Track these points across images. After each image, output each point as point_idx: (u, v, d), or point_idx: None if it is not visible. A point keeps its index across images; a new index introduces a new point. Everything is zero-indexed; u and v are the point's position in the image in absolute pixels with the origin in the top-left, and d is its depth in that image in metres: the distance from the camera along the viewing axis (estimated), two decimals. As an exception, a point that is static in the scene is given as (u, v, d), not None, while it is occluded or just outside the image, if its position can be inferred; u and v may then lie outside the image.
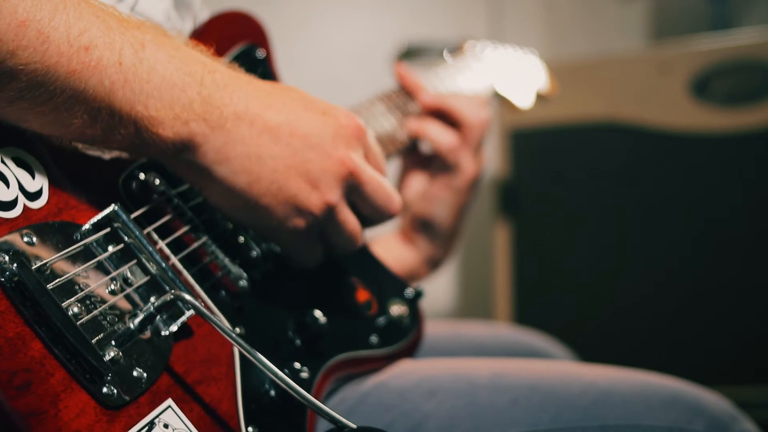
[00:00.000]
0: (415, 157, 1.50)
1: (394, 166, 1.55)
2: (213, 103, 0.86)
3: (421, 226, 1.49)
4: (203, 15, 1.21)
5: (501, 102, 1.74)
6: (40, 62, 0.73)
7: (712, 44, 2.30)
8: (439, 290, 2.95)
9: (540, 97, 1.79)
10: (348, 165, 0.95)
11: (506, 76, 1.72)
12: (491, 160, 2.53)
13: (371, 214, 1.02)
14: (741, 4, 2.77)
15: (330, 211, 0.95)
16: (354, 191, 0.98)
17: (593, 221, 2.39)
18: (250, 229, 0.99)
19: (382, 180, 1.01)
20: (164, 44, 0.84)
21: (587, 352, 1.90)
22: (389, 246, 1.49)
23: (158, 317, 0.81)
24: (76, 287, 0.76)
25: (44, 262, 0.74)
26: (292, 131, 0.92)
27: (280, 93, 0.94)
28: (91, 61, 0.76)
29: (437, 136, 1.44)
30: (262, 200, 0.91)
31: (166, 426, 0.77)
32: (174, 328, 0.82)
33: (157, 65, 0.82)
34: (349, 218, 0.99)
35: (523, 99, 1.74)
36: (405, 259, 1.49)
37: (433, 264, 1.52)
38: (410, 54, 1.82)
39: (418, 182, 1.49)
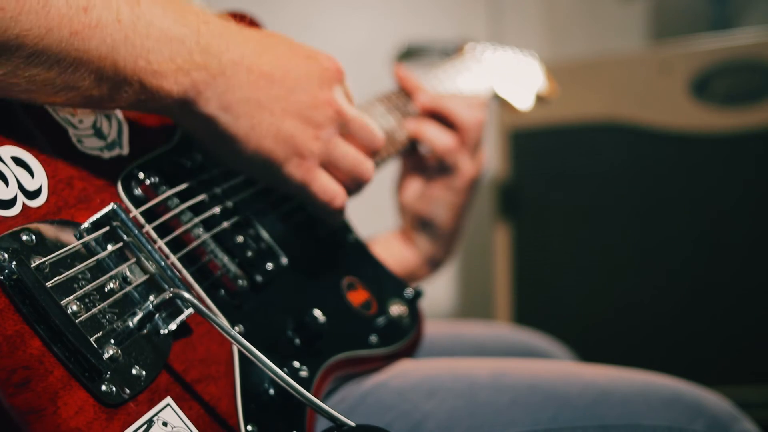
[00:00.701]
0: (414, 157, 1.50)
1: (393, 167, 1.55)
2: (211, 51, 0.90)
3: (420, 226, 1.49)
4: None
5: (501, 104, 1.74)
6: (44, 26, 0.75)
7: (712, 44, 2.30)
8: (439, 290, 2.95)
9: (540, 99, 1.79)
10: (334, 105, 1.01)
11: (506, 77, 1.71)
12: (491, 160, 2.53)
13: (361, 150, 1.06)
14: (741, 4, 2.77)
15: (326, 146, 1.00)
16: (343, 129, 1.03)
17: (593, 221, 2.39)
18: (257, 178, 1.03)
19: (364, 117, 1.06)
20: None
21: (587, 352, 1.90)
22: (389, 246, 1.49)
23: (157, 315, 0.82)
24: (75, 285, 0.76)
25: (43, 260, 0.74)
26: (284, 75, 0.96)
27: (268, 40, 0.98)
28: (91, 21, 0.78)
29: (434, 137, 1.44)
30: (264, 143, 0.96)
31: (164, 424, 0.77)
32: (173, 326, 0.82)
33: (154, 19, 0.85)
34: (348, 151, 1.04)
35: (523, 101, 1.73)
36: (405, 259, 1.49)
37: (433, 264, 1.52)
38: (410, 54, 1.82)
39: (417, 182, 1.49)
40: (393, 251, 1.48)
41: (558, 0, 3.08)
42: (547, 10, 3.05)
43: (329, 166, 1.02)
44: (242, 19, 1.16)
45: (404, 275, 1.45)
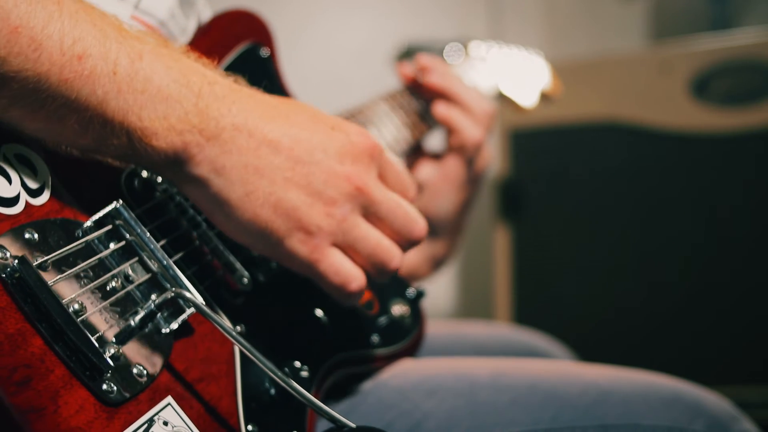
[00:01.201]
0: (418, 155, 1.50)
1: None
2: (209, 114, 0.84)
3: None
4: (206, 14, 1.21)
5: (505, 102, 1.74)
6: (32, 70, 0.72)
7: (712, 44, 2.30)
8: (439, 290, 2.96)
9: (544, 98, 1.79)
10: (355, 182, 0.90)
11: (511, 76, 1.72)
12: (491, 160, 2.53)
13: (392, 238, 0.95)
14: (741, 4, 2.77)
15: (341, 225, 0.90)
16: (368, 211, 0.92)
17: (593, 221, 2.39)
18: (255, 251, 0.96)
19: (401, 201, 0.94)
20: (163, 55, 0.83)
21: (587, 352, 1.90)
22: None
23: (159, 315, 0.81)
24: (78, 284, 0.76)
25: (45, 258, 0.74)
26: (293, 144, 0.88)
27: (285, 107, 0.91)
28: (84, 70, 0.75)
29: (466, 128, 1.43)
30: (260, 213, 0.87)
31: (165, 423, 0.76)
32: (174, 325, 0.82)
33: (153, 76, 0.80)
34: (369, 234, 0.92)
35: (528, 99, 1.74)
36: (407, 258, 1.48)
37: (435, 263, 1.52)
38: (410, 54, 1.82)
39: (421, 179, 1.48)
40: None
41: (558, 0, 3.08)
42: (547, 10, 3.05)
43: (345, 247, 0.91)
44: (245, 17, 1.15)
45: (406, 274, 1.44)
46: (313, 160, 0.88)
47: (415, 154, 1.50)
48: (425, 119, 1.47)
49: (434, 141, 1.54)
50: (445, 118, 1.44)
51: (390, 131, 1.38)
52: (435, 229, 1.48)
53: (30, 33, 0.72)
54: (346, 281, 0.92)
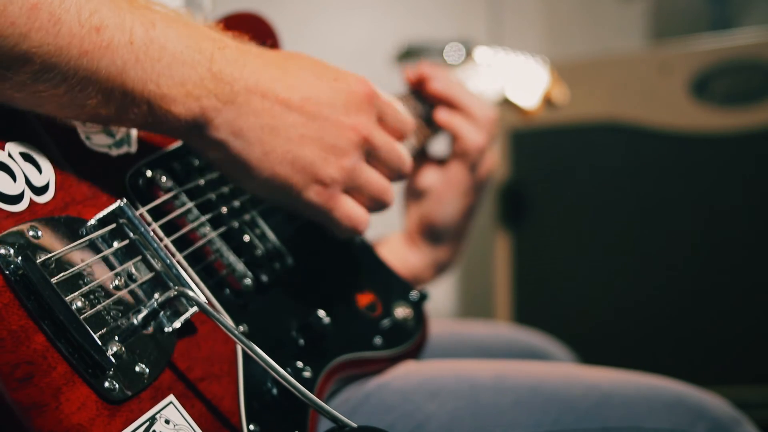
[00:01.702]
0: (423, 159, 1.49)
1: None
2: (223, 78, 0.87)
3: (427, 228, 1.48)
4: (212, 16, 1.21)
5: (510, 107, 1.74)
6: (53, 44, 0.74)
7: (712, 44, 2.30)
8: (439, 291, 2.95)
9: (549, 104, 1.80)
10: (361, 131, 0.96)
11: (516, 82, 1.72)
12: (495, 165, 2.53)
13: (386, 175, 1.03)
14: (741, 4, 2.77)
15: (349, 175, 0.96)
16: (370, 155, 0.99)
17: (593, 221, 2.38)
18: (274, 204, 1.00)
19: (394, 143, 1.02)
20: (174, 22, 0.85)
21: (587, 353, 1.90)
22: (394, 248, 1.48)
23: (162, 313, 0.81)
24: (81, 282, 0.76)
25: (49, 256, 0.74)
26: (303, 101, 0.93)
27: (291, 63, 0.95)
28: (103, 41, 0.77)
29: (468, 133, 1.43)
30: (279, 170, 0.92)
31: (167, 422, 0.77)
32: (177, 324, 0.82)
33: (167, 43, 0.83)
34: (371, 178, 1.00)
35: (533, 105, 1.74)
36: (410, 262, 1.48)
37: (439, 268, 1.51)
38: (410, 54, 1.82)
39: (426, 185, 1.48)
40: (398, 254, 1.48)
41: (558, 0, 3.08)
42: (547, 10, 3.05)
43: (352, 191, 0.99)
44: (252, 19, 1.16)
45: (409, 278, 1.44)
46: (322, 115, 0.94)
47: (419, 159, 1.49)
48: (430, 124, 1.47)
49: (439, 147, 1.54)
50: (447, 123, 1.45)
51: None
52: (439, 234, 1.48)
53: (49, 8, 0.74)
54: (357, 224, 1.00)
